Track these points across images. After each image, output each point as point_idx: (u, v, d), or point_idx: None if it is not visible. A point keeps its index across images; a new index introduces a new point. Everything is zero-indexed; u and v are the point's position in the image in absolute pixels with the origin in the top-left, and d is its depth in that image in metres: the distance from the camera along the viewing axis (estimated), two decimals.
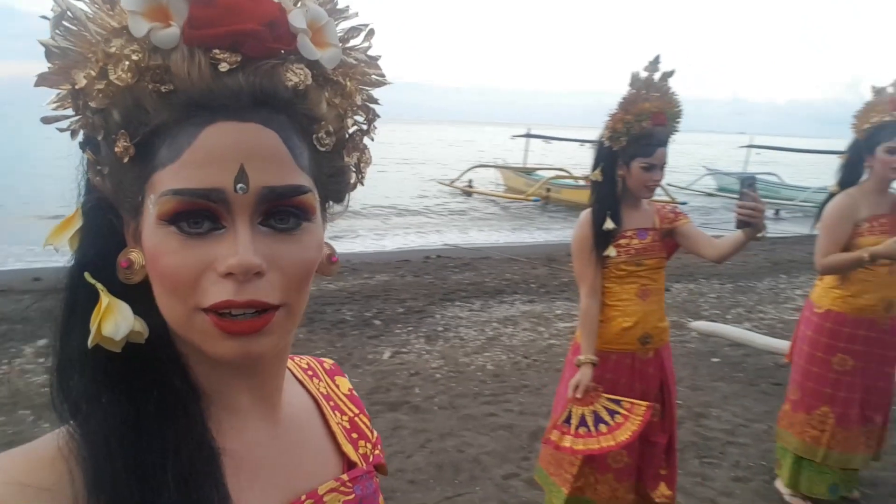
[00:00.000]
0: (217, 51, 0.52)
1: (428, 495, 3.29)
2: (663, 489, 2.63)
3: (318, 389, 0.79)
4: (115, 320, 0.55)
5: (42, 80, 0.55)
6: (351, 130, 0.63)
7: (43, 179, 15.02)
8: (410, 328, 6.16)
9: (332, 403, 0.79)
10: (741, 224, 2.32)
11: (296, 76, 0.55)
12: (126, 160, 0.55)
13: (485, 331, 6.16)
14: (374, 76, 0.63)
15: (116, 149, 0.54)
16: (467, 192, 20.46)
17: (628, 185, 2.53)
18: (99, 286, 0.57)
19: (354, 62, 0.61)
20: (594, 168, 2.62)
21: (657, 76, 2.47)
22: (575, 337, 2.72)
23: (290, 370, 0.78)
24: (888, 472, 3.41)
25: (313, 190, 0.58)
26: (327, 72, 0.58)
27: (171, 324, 0.58)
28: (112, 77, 0.52)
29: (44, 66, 0.54)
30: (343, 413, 0.79)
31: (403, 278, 8.30)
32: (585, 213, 2.63)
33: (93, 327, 0.55)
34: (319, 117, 0.59)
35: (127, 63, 0.52)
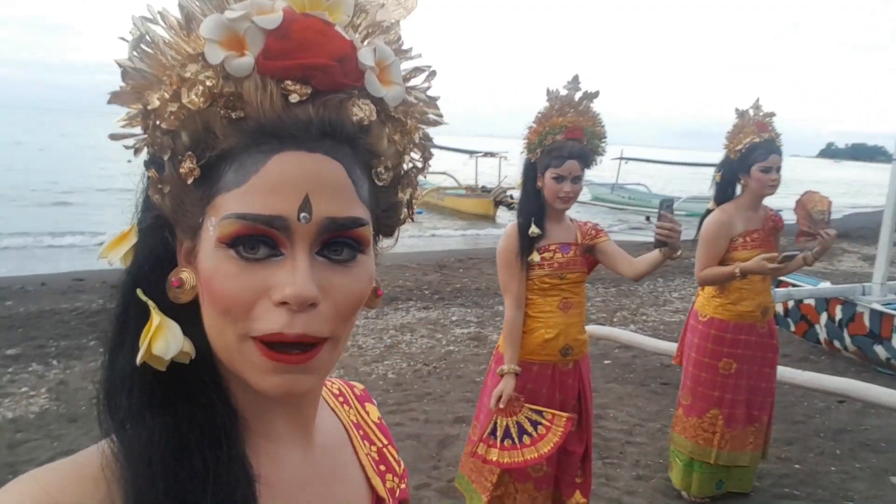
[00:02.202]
0: (289, 82, 0.54)
1: None
2: (578, 497, 2.70)
3: (348, 417, 0.79)
4: (165, 339, 0.56)
5: (115, 98, 0.56)
6: (406, 167, 0.64)
7: None
8: None
9: (361, 432, 0.79)
10: (659, 244, 2.44)
11: (361, 111, 0.56)
12: (190, 181, 0.55)
13: (383, 338, 6.10)
14: (432, 115, 0.65)
15: (181, 169, 0.55)
16: None
17: (544, 195, 2.58)
18: (151, 304, 0.57)
19: (415, 101, 0.63)
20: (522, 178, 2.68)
21: (577, 96, 2.55)
22: (497, 346, 2.74)
23: (323, 396, 0.77)
24: (771, 463, 3.69)
25: (370, 223, 0.59)
26: (389, 109, 0.59)
27: (217, 349, 0.58)
28: (185, 100, 0.53)
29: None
30: (372, 443, 0.79)
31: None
32: (511, 225, 2.68)
33: (143, 345, 0.55)
34: (380, 153, 0.60)
35: (200, 88, 0.53)
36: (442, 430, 4.16)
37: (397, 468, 0.81)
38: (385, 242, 0.68)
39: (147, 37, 0.55)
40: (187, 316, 0.58)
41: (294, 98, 0.53)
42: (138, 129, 0.57)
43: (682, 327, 3.56)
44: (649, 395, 4.85)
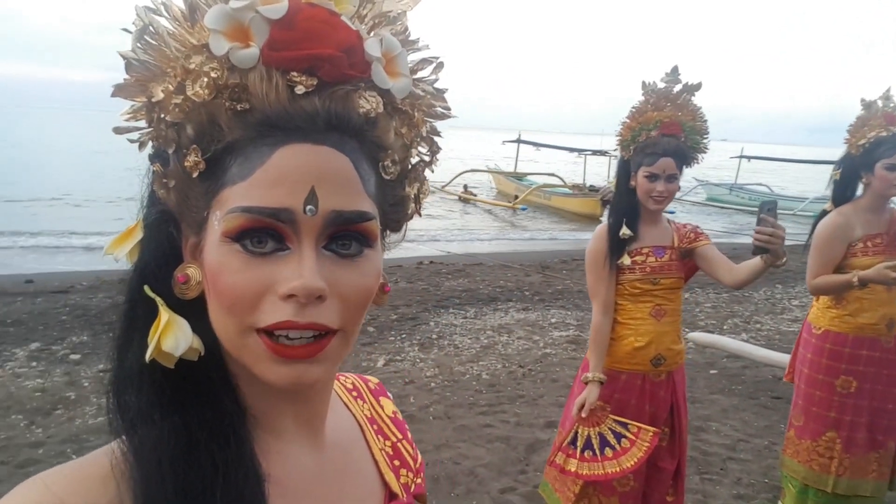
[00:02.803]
0: (294, 73, 0.53)
1: None
2: None
3: (362, 412, 0.78)
4: (174, 336, 0.55)
5: (119, 91, 0.56)
6: (414, 161, 0.63)
7: None
8: (404, 335, 6.07)
9: (375, 427, 0.78)
10: (758, 250, 2.23)
11: (368, 103, 0.55)
12: (195, 175, 0.55)
13: (479, 339, 6.09)
14: (439, 108, 0.64)
15: (186, 163, 0.54)
16: (463, 199, 20.41)
17: (638, 195, 2.46)
18: (159, 301, 0.57)
19: (422, 93, 0.61)
20: (615, 177, 2.58)
21: (676, 88, 2.40)
22: (587, 353, 2.64)
23: (335, 391, 0.76)
24: None
25: (377, 217, 0.58)
26: (396, 101, 0.58)
27: (224, 342, 0.58)
28: (189, 92, 0.52)
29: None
30: (386, 438, 0.78)
31: (396, 284, 8.22)
32: (601, 226, 2.57)
33: (151, 342, 0.55)
34: (387, 146, 0.59)
35: (205, 80, 0.52)
36: (532, 433, 4.09)
37: (412, 463, 0.79)
38: (393, 237, 0.67)
39: (151, 28, 0.54)
40: (194, 312, 0.57)
41: (300, 89, 0.53)
42: (143, 123, 0.57)
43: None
44: (758, 409, 4.55)
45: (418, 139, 0.62)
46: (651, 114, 2.39)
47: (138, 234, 0.61)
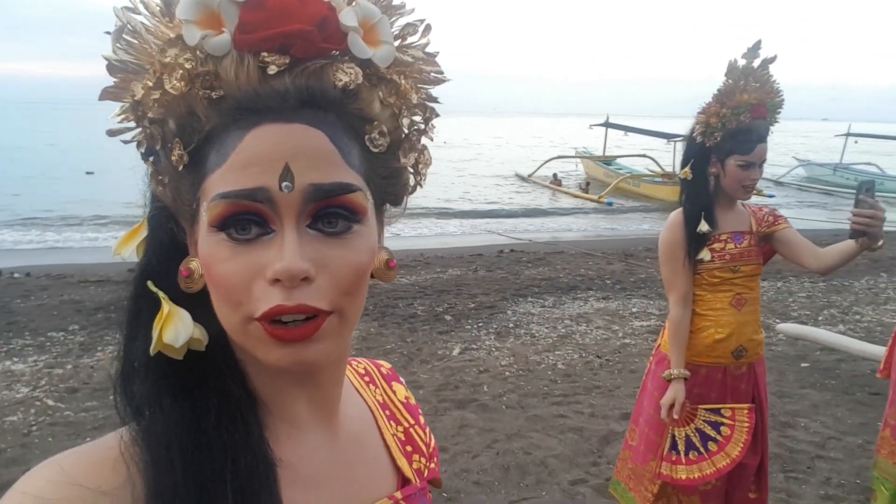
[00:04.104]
0: (266, 54, 0.52)
1: (493, 498, 3.20)
2: None
3: (374, 397, 0.78)
4: (175, 328, 0.56)
5: (105, 95, 0.56)
6: (407, 130, 0.61)
7: None
8: (481, 324, 6.08)
9: (387, 412, 0.77)
10: (856, 234, 2.11)
11: (346, 75, 0.54)
12: (181, 168, 0.55)
13: (557, 328, 6.01)
14: (432, 74, 0.61)
15: (172, 157, 0.54)
16: (550, 188, 20.16)
17: (723, 184, 2.32)
18: (160, 294, 0.57)
19: (411, 60, 0.59)
20: (684, 164, 2.41)
21: (757, 63, 2.25)
22: (658, 346, 2.55)
23: (347, 376, 0.76)
24: None
25: (364, 189, 0.56)
26: (381, 70, 0.56)
27: (228, 331, 0.57)
28: (167, 86, 0.52)
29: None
30: (398, 423, 0.78)
31: (476, 273, 8.23)
32: (676, 214, 2.44)
33: (154, 334, 0.56)
34: (372, 117, 0.57)
35: (181, 72, 0.52)
36: (607, 425, 4.01)
37: (424, 448, 0.79)
38: (394, 211, 0.65)
39: (129, 26, 0.54)
40: (203, 303, 0.58)
41: (272, 69, 0.52)
42: (133, 124, 0.57)
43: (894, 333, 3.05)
44: (853, 405, 4.27)
45: (409, 107, 0.60)
46: (741, 96, 2.23)
47: (144, 232, 0.62)
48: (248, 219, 0.53)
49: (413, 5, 0.59)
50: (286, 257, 0.52)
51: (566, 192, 19.54)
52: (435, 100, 0.62)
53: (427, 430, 0.82)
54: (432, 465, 0.79)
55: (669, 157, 19.91)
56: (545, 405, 4.33)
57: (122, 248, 0.62)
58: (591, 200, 17.64)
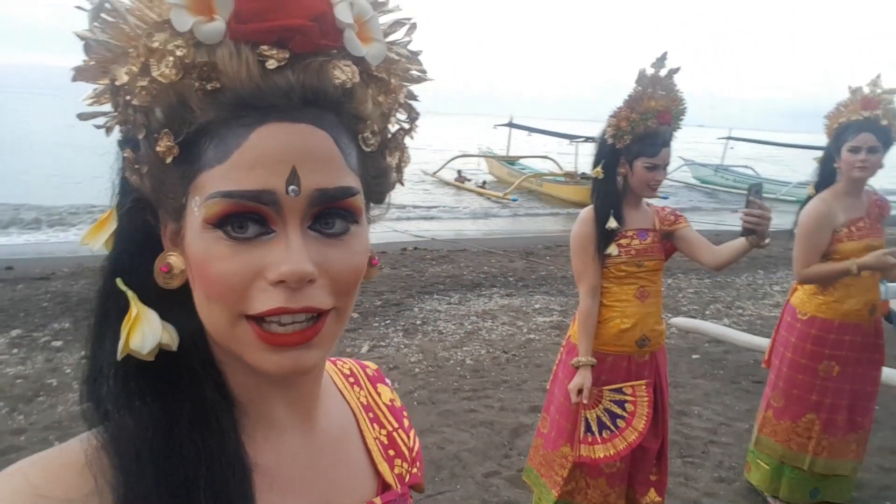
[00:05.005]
0: (264, 47, 0.50)
1: None
2: (653, 495, 2.59)
3: (358, 399, 0.76)
4: (142, 332, 0.53)
5: (79, 75, 0.52)
6: (393, 130, 0.61)
7: None
8: (388, 321, 6.06)
9: (371, 415, 0.76)
10: (746, 231, 2.28)
11: (343, 74, 0.52)
12: (169, 160, 0.52)
13: (463, 324, 6.08)
14: (415, 72, 0.61)
15: (159, 148, 0.51)
16: (456, 186, 20.31)
17: (630, 183, 2.47)
18: (130, 294, 0.55)
19: (397, 57, 0.58)
20: (595, 164, 2.55)
21: (664, 73, 2.40)
22: (569, 337, 2.65)
23: (332, 376, 0.76)
24: (871, 473, 3.41)
25: (361, 192, 0.56)
26: (371, 68, 0.55)
27: (212, 331, 0.56)
28: (155, 73, 0.49)
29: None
30: (382, 426, 0.77)
31: (381, 270, 8.17)
32: (587, 211, 2.57)
33: (122, 337, 0.53)
34: (365, 116, 0.56)
35: (171, 59, 0.49)
36: (516, 418, 4.10)
37: (407, 453, 0.77)
38: (376, 210, 0.65)
39: (107, 4, 0.51)
40: (176, 300, 0.55)
41: (272, 64, 0.49)
42: (108, 107, 0.53)
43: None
44: (739, 393, 4.59)
45: (396, 106, 0.59)
46: (649, 102, 2.38)
47: (112, 224, 0.58)
48: (247, 218, 0.51)
49: (395, 3, 0.59)
50: (293, 260, 0.51)
51: (471, 190, 19.78)
52: (416, 98, 0.62)
53: (412, 433, 0.80)
54: (414, 470, 0.78)
55: (569, 159, 20.60)
56: (456, 400, 4.37)
57: (91, 239, 0.59)
58: (497, 198, 17.97)
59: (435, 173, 21.57)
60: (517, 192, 17.91)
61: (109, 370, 0.56)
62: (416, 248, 9.88)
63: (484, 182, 20.34)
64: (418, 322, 6.08)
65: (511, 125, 23.32)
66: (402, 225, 13.41)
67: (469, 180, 20.73)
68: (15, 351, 4.92)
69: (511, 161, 22.47)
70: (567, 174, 19.20)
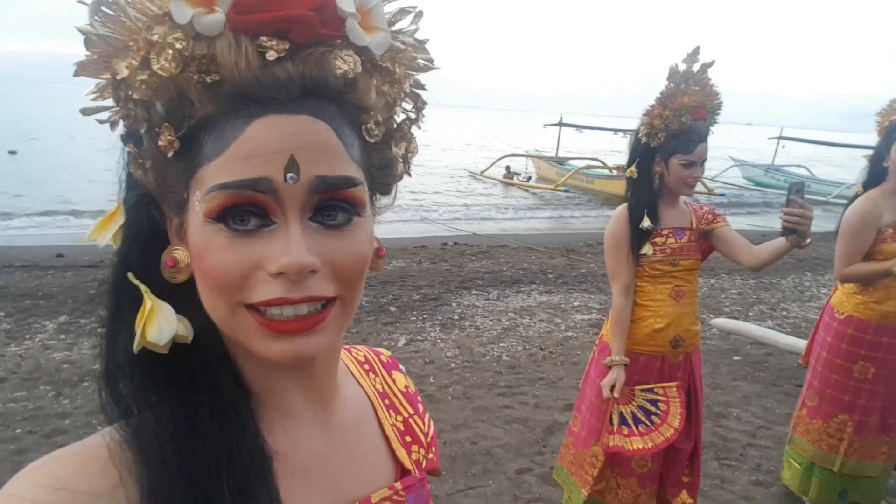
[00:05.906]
0: (264, 38, 0.49)
1: (440, 487, 3.23)
2: (685, 497, 2.56)
3: (373, 386, 0.76)
4: (158, 325, 0.54)
5: (81, 69, 0.52)
6: (399, 120, 0.60)
7: None
8: (426, 316, 6.10)
9: (387, 402, 0.76)
10: (786, 231, 2.23)
11: (345, 64, 0.52)
12: (170, 154, 0.52)
13: (501, 320, 6.09)
14: (422, 61, 0.60)
15: (160, 142, 0.51)
16: (505, 183, 20.26)
17: (666, 181, 2.43)
18: (143, 288, 0.55)
19: (402, 46, 0.57)
20: (629, 164, 2.52)
21: (696, 68, 2.36)
22: (601, 336, 2.64)
23: (346, 364, 0.76)
24: None
25: (363, 183, 0.55)
26: (375, 58, 0.55)
27: (216, 322, 0.56)
28: (155, 67, 0.49)
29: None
30: (398, 413, 0.77)
31: (420, 265, 8.24)
32: (621, 209, 2.54)
33: (137, 331, 0.54)
34: (369, 107, 0.55)
35: (171, 52, 0.49)
36: (551, 416, 4.10)
37: (423, 439, 0.78)
38: (383, 201, 0.64)
39: None
40: (187, 294, 0.56)
41: (271, 55, 0.49)
42: (110, 101, 0.53)
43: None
44: (780, 396, 4.49)
45: (402, 96, 0.59)
46: (682, 99, 2.34)
47: (120, 218, 0.58)
48: (247, 210, 0.51)
49: None
50: (293, 251, 0.50)
51: (520, 185, 19.70)
52: (423, 87, 0.61)
53: (427, 419, 0.81)
54: (431, 456, 0.78)
55: (619, 158, 20.29)
56: (490, 396, 4.39)
57: (98, 233, 0.59)
58: (550, 189, 17.84)
59: (482, 172, 21.55)
60: (567, 187, 17.80)
61: (126, 365, 0.56)
62: (455, 244, 9.91)
63: (529, 178, 20.24)
64: (455, 317, 6.11)
65: (561, 124, 23.14)
66: (445, 220, 13.46)
67: (519, 175, 20.66)
68: (62, 336, 5.11)
69: (560, 161, 22.33)
70: (617, 168, 18.95)
